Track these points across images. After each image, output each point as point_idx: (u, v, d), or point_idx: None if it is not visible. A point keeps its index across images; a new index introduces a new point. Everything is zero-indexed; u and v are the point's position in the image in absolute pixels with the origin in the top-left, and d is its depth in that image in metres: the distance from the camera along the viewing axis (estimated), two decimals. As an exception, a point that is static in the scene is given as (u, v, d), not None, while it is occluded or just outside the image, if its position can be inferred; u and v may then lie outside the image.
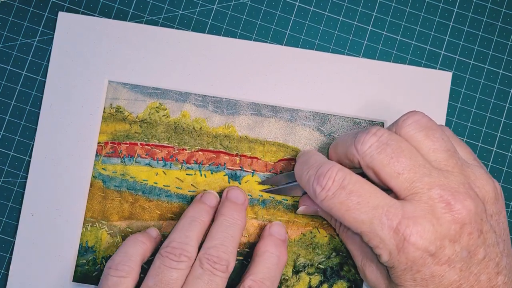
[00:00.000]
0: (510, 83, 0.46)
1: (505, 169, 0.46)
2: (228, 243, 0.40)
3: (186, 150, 0.45)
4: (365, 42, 0.46)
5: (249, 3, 0.46)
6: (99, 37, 0.45)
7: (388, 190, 0.36)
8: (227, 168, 0.44)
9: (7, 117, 0.45)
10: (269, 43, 0.46)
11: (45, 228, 0.44)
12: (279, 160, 0.45)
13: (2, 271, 0.44)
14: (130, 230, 0.44)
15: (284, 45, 0.46)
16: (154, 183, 0.44)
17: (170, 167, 0.44)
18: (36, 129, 0.45)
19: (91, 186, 0.44)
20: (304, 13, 0.46)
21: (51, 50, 0.45)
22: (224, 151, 0.45)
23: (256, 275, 0.40)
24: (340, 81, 0.45)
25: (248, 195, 0.44)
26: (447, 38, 0.46)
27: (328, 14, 0.46)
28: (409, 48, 0.46)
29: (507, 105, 0.46)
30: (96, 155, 0.44)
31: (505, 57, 0.46)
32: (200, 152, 0.45)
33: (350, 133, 0.39)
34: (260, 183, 0.44)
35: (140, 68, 0.45)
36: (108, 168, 0.44)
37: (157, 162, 0.44)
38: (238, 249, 0.43)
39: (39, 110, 0.45)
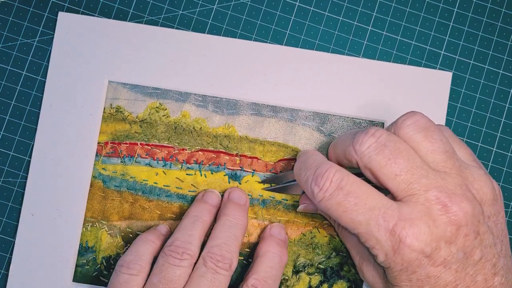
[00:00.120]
0: (510, 83, 0.46)
1: (505, 169, 0.46)
2: (231, 242, 0.40)
3: (186, 150, 0.45)
4: (365, 42, 0.46)
5: (249, 3, 0.46)
6: (99, 37, 0.45)
7: (385, 190, 0.36)
8: (227, 168, 0.44)
9: (7, 117, 0.45)
10: (269, 43, 0.46)
11: (45, 228, 0.44)
12: (279, 160, 0.45)
13: (2, 271, 0.44)
14: (130, 230, 0.44)
15: (284, 45, 0.46)
16: (154, 183, 0.44)
17: (170, 167, 0.44)
18: (36, 129, 0.45)
19: (91, 186, 0.44)
20: (304, 13, 0.46)
21: (51, 50, 0.45)
22: (224, 151, 0.45)
23: (259, 274, 0.40)
24: (340, 81, 0.45)
25: (248, 195, 0.44)
26: (447, 38, 0.46)
27: (328, 14, 0.46)
28: (409, 48, 0.46)
29: (507, 105, 0.46)
30: (96, 155, 0.44)
31: (505, 57, 0.46)
32: (200, 152, 0.45)
33: (349, 133, 0.39)
34: (260, 182, 0.44)
35: (140, 68, 0.45)
36: (108, 168, 0.44)
37: (157, 162, 0.44)
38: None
39: (39, 110, 0.45)
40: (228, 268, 0.39)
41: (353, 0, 0.46)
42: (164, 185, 0.44)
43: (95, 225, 0.44)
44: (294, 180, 0.43)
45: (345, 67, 0.45)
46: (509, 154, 0.46)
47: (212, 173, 0.44)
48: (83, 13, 0.46)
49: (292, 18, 0.46)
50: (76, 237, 0.44)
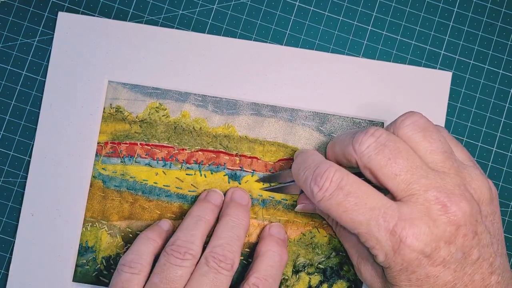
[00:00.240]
0: (510, 83, 0.46)
1: (505, 169, 0.46)
2: (234, 242, 0.40)
3: (186, 150, 0.45)
4: (365, 42, 0.46)
5: (249, 3, 0.46)
6: (99, 37, 0.45)
7: (384, 190, 0.36)
8: (227, 168, 0.44)
9: (7, 117, 0.45)
10: (269, 43, 0.46)
11: (45, 228, 0.44)
12: (279, 160, 0.45)
13: (2, 271, 0.45)
14: (130, 230, 0.44)
15: (284, 45, 0.46)
16: (154, 183, 0.44)
17: (170, 167, 0.44)
18: (36, 129, 0.45)
19: (91, 186, 0.44)
20: (304, 13, 0.46)
21: (51, 50, 0.45)
22: (224, 151, 0.45)
23: (259, 273, 0.40)
24: (340, 81, 0.45)
25: (248, 195, 0.44)
26: (447, 38, 0.46)
27: (328, 14, 0.46)
28: (409, 48, 0.46)
29: (507, 105, 0.46)
30: (96, 155, 0.44)
31: (505, 57, 0.46)
32: (200, 152, 0.45)
33: (348, 133, 0.39)
34: (258, 180, 0.44)
35: (140, 68, 0.45)
36: (108, 168, 0.44)
37: (157, 162, 0.44)
38: (238, 249, 0.43)
39: (39, 110, 0.45)
40: (230, 268, 0.39)
41: (353, 0, 0.46)
42: (164, 185, 0.44)
43: (95, 225, 0.44)
44: (292, 181, 0.43)
45: (345, 67, 0.45)
46: (509, 154, 0.46)
47: (212, 173, 0.44)
48: (83, 13, 0.46)
49: (292, 18, 0.46)
50: (76, 237, 0.44)
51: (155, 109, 0.45)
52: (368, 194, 0.36)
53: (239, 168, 0.44)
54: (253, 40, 0.46)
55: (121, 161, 0.44)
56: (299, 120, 0.45)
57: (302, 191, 0.43)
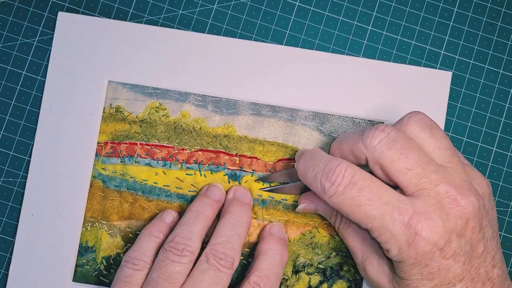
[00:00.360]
0: (510, 83, 0.46)
1: (505, 169, 0.46)
2: (234, 240, 0.40)
3: (186, 150, 0.45)
4: (365, 42, 0.46)
5: (249, 3, 0.46)
6: (99, 37, 0.45)
7: (392, 186, 0.37)
8: (227, 168, 0.44)
9: (7, 117, 0.45)
10: (269, 43, 0.46)
11: (45, 228, 0.44)
12: (279, 160, 0.45)
13: (2, 271, 0.45)
14: (130, 230, 0.44)
15: (284, 45, 0.46)
16: (154, 183, 0.44)
17: (170, 167, 0.44)
18: (36, 129, 0.45)
19: (91, 186, 0.44)
20: (304, 13, 0.46)
21: (51, 50, 0.45)
22: (223, 151, 0.45)
23: (260, 271, 0.40)
24: (340, 81, 0.45)
25: (248, 195, 0.44)
26: (447, 38, 0.46)
27: (328, 14, 0.46)
28: (409, 48, 0.46)
29: (507, 105, 0.46)
30: (96, 155, 0.44)
31: (505, 57, 0.46)
32: (200, 152, 0.45)
33: (355, 130, 0.40)
34: (257, 180, 0.44)
35: (140, 68, 0.45)
36: (108, 168, 0.44)
37: (157, 162, 0.44)
38: (238, 249, 0.43)
39: (39, 110, 0.45)
40: (230, 266, 0.39)
41: (353, 0, 0.46)
42: (164, 185, 0.44)
43: (95, 225, 0.44)
44: (292, 181, 0.43)
45: (345, 67, 0.45)
46: (509, 154, 0.46)
47: (211, 173, 0.44)
48: (83, 13, 0.46)
49: (292, 18, 0.46)
50: (76, 237, 0.44)
51: (155, 109, 0.45)
52: (381, 188, 0.36)
53: (239, 168, 0.44)
54: (253, 40, 0.46)
55: (121, 161, 0.44)
56: (299, 120, 0.45)
57: (302, 191, 0.43)
